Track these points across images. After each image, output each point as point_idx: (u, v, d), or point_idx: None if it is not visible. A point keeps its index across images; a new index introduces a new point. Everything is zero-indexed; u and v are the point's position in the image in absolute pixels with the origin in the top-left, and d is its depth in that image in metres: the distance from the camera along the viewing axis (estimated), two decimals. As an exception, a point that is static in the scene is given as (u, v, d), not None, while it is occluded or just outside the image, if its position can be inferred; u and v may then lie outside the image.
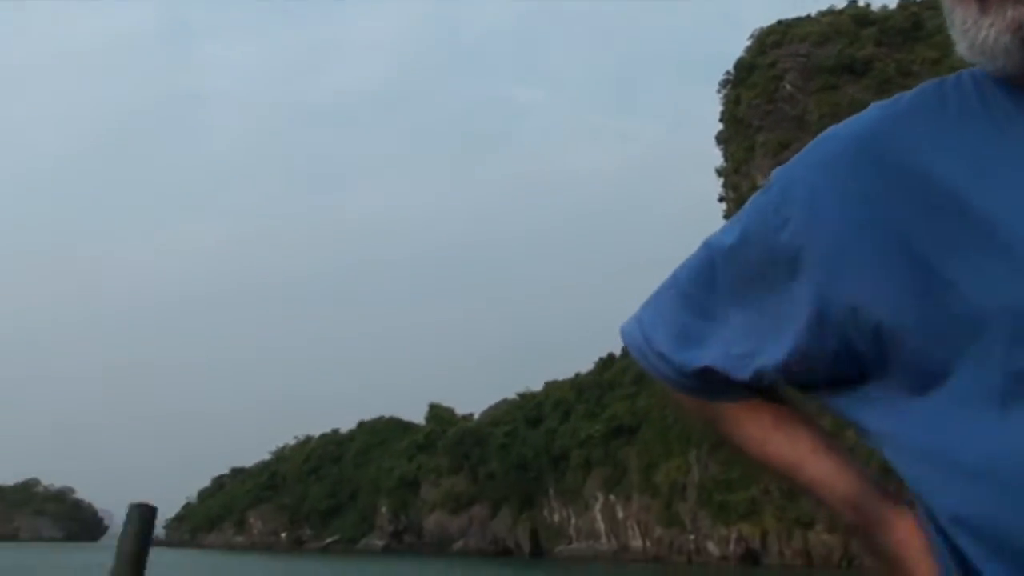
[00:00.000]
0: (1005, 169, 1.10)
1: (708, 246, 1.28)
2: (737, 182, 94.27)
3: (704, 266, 1.27)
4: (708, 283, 1.26)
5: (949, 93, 1.17)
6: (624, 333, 1.34)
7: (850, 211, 1.13)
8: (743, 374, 1.23)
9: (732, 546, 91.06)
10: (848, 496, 1.17)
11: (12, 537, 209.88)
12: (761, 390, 1.26)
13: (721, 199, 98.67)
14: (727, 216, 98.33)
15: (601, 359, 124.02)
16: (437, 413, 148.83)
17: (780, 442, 1.23)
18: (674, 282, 1.31)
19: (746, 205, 1.28)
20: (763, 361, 1.21)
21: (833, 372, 1.17)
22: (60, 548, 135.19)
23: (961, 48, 1.11)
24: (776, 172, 1.24)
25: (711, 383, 1.27)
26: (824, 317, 1.14)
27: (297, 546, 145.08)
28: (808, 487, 1.21)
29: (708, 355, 1.25)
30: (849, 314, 1.12)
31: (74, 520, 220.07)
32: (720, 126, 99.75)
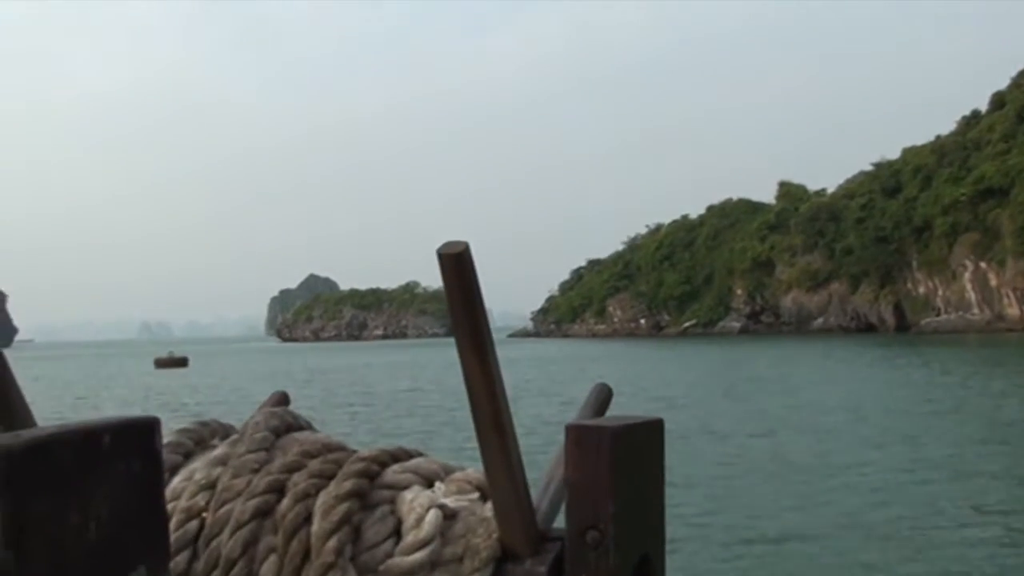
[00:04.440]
0: None
1: None
2: None
3: None
4: None
5: None
6: None
7: None
8: None
9: None
10: None
11: (401, 335, 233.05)
12: None
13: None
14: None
15: (964, 117, 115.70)
16: (788, 190, 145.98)
17: None
18: None
19: None
20: None
21: None
22: (443, 343, 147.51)
23: None
24: None
25: None
26: None
27: (656, 331, 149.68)
28: None
29: None
30: None
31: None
32: None
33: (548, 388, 38.55)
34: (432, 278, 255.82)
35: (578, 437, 0.93)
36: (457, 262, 0.83)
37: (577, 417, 1.20)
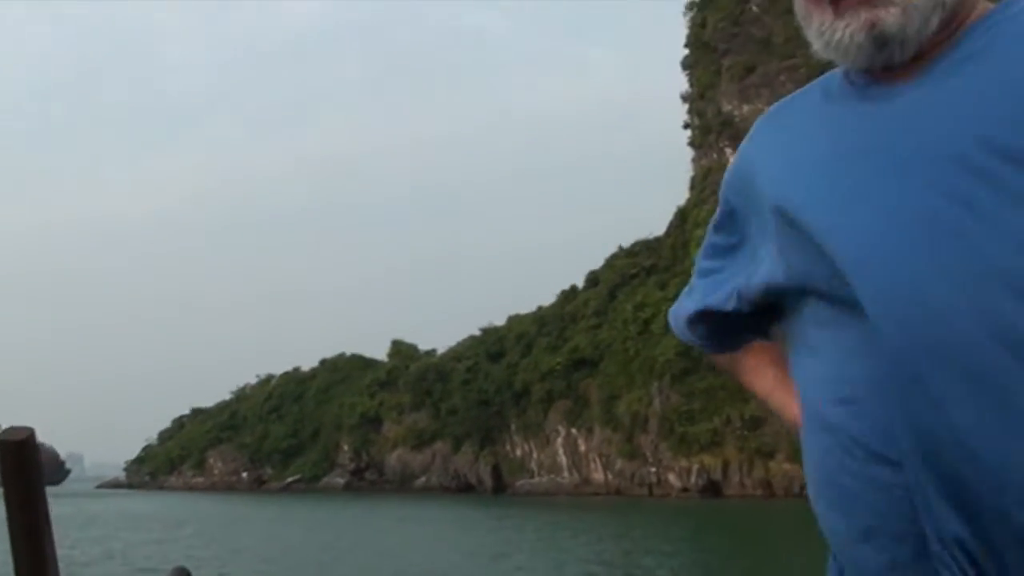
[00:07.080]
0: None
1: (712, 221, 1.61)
2: (702, 108, 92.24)
3: (708, 239, 1.60)
4: (709, 250, 1.60)
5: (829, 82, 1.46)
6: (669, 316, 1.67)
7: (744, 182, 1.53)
8: (725, 306, 1.54)
9: (693, 478, 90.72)
10: (794, 422, 1.51)
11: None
12: (748, 336, 1.61)
13: (686, 126, 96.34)
14: (692, 143, 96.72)
15: (563, 291, 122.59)
16: (400, 349, 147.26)
17: (756, 380, 1.62)
18: (696, 262, 1.63)
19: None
20: (729, 301, 1.53)
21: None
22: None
23: (817, 47, 1.36)
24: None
25: (714, 336, 1.62)
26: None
27: (258, 486, 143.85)
28: (776, 412, 1.60)
29: (693, 303, 1.60)
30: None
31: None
32: (685, 51, 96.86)
33: (126, 553, 34.82)
34: (16, 419, 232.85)
35: None
36: (18, 451, 0.65)
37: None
